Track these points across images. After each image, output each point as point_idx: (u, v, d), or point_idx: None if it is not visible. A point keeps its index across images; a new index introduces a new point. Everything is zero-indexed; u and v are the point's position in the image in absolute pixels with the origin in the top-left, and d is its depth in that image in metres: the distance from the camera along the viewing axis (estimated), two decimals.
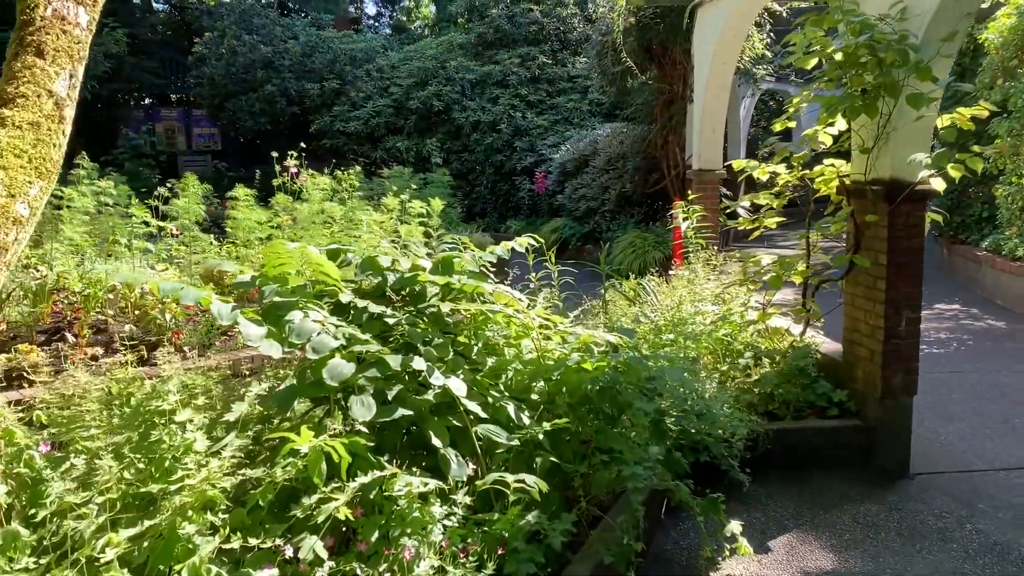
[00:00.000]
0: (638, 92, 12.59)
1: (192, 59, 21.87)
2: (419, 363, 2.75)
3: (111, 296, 6.22)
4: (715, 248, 7.21)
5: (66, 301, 6.20)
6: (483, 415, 2.84)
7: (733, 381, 5.07)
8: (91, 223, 7.41)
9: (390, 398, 2.74)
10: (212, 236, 6.99)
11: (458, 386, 2.79)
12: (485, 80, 19.77)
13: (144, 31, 27.28)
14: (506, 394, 3.20)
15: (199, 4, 24.09)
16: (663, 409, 3.70)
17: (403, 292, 3.36)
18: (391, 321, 3.01)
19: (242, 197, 7.40)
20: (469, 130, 19.14)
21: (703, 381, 4.48)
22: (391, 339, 3.12)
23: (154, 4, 30.80)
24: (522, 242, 4.01)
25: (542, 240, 4.34)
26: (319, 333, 2.64)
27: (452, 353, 3.13)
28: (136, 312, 6.04)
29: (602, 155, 14.66)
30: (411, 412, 2.70)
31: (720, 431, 4.05)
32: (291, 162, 7.70)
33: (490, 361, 3.35)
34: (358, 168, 13.70)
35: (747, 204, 5.54)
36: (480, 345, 3.40)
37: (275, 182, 7.52)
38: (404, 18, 38.76)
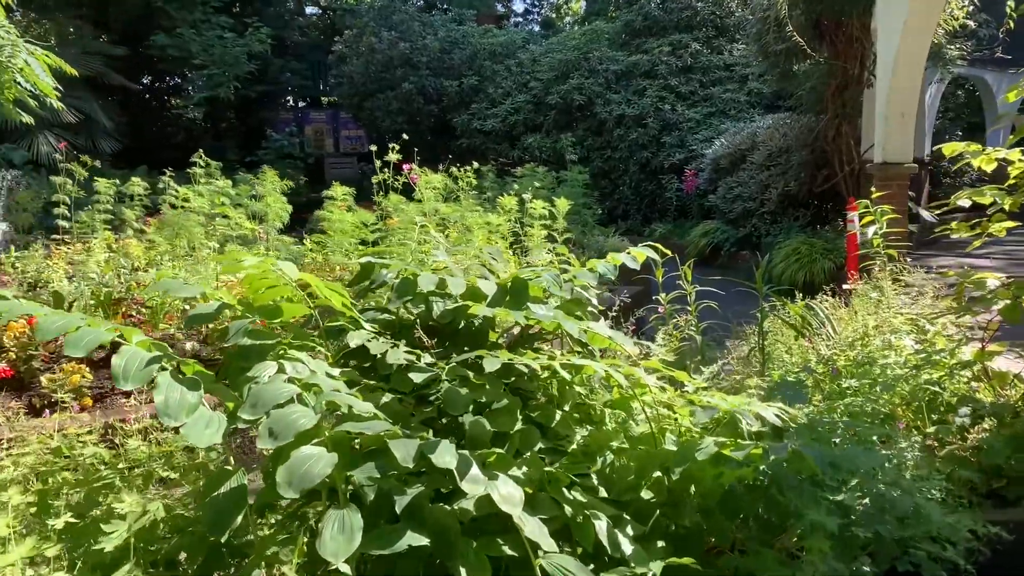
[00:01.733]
0: (805, 77, 11.02)
1: (333, 58, 21.92)
2: (445, 455, 1.70)
3: (186, 307, 5.58)
4: (905, 258, 5.76)
5: (139, 312, 5.65)
6: (550, 545, 1.75)
7: (943, 447, 3.71)
8: (207, 224, 6.96)
9: (399, 509, 1.72)
10: (294, 239, 6.27)
11: (509, 494, 1.73)
12: (631, 71, 18.51)
13: (292, 34, 27.86)
14: (601, 489, 2.11)
15: (344, 4, 24.25)
16: (847, 505, 2.49)
17: (455, 327, 2.34)
18: (417, 379, 1.98)
19: (340, 196, 6.65)
20: (612, 125, 17.96)
21: (901, 451, 3.20)
22: (431, 399, 2.12)
23: (306, 8, 31.47)
24: (638, 254, 2.89)
25: (667, 251, 3.20)
26: (289, 402, 1.66)
27: (521, 421, 2.09)
28: (208, 327, 5.33)
29: (762, 149, 13.12)
30: (427, 541, 1.66)
31: (933, 537, 2.78)
32: (392, 155, 6.87)
33: (581, 434, 2.26)
34: (483, 168, 12.92)
35: (965, 202, 4.12)
36: (567, 408, 2.32)
37: (375, 179, 6.71)
38: (553, 15, 37.91)
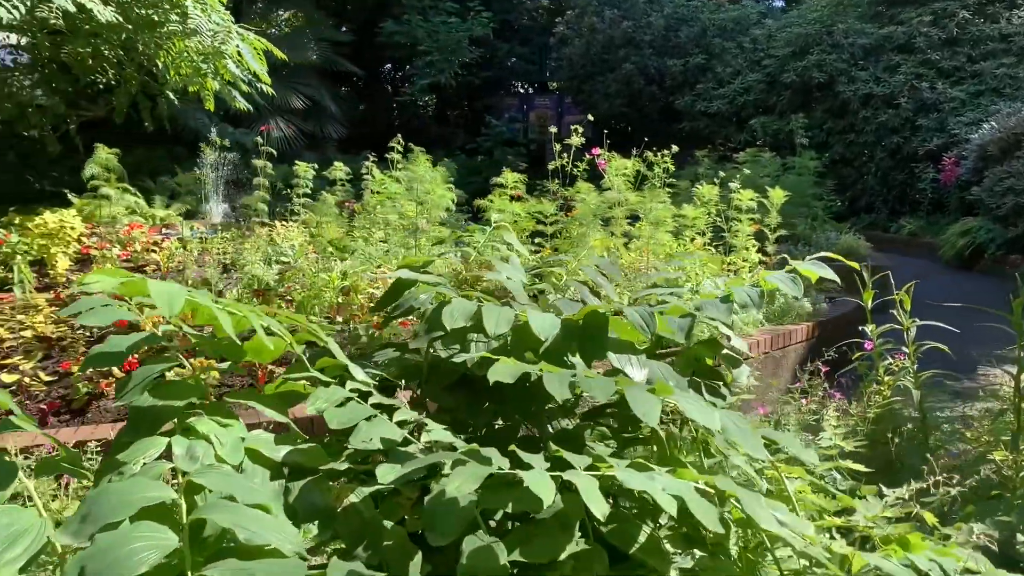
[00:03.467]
0: None
1: (554, 40, 21.57)
2: None
3: (340, 300, 5.25)
4: None
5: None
6: None
7: None
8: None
9: None
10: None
11: None
12: (882, 45, 16.43)
13: (519, 17, 27.84)
14: None
15: None
16: None
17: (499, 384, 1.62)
18: (387, 477, 1.29)
19: (510, 183, 6.09)
20: (857, 106, 16.05)
21: None
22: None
23: None
24: (808, 273, 1.99)
25: (855, 265, 2.29)
26: (141, 516, 1.05)
27: (580, 538, 1.36)
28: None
29: None
30: None
31: None
32: (575, 139, 6.18)
33: (681, 565, 1.47)
34: (698, 153, 11.87)
35: None
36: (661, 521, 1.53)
37: (550, 165, 6.07)
38: None
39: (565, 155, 6.26)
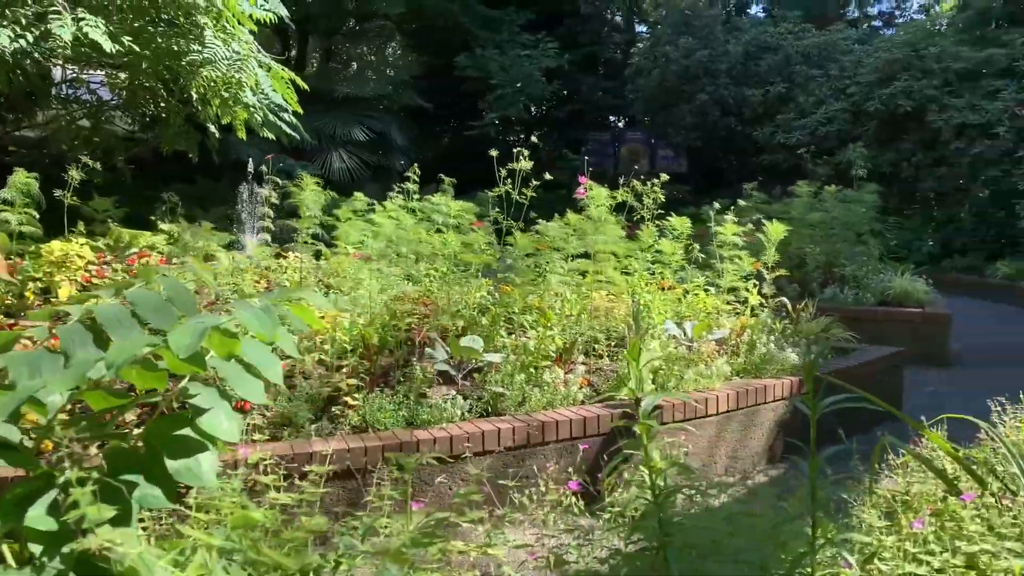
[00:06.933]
0: None
1: (630, 72, 21.06)
2: None
3: None
4: None
5: None
6: None
7: None
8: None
9: None
10: None
11: None
12: (980, 70, 15.15)
13: (605, 50, 27.45)
14: None
15: (648, 15, 23.29)
16: None
17: None
18: None
19: (454, 212, 5.62)
20: (950, 137, 14.80)
21: None
22: None
23: (633, 24, 30.67)
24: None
25: None
26: None
27: None
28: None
29: None
30: None
31: None
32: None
33: None
34: (748, 186, 11.07)
35: None
36: None
37: (493, 192, 5.59)
38: (922, 15, 33.00)
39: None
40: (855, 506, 2.14)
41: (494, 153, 5.53)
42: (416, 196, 7.55)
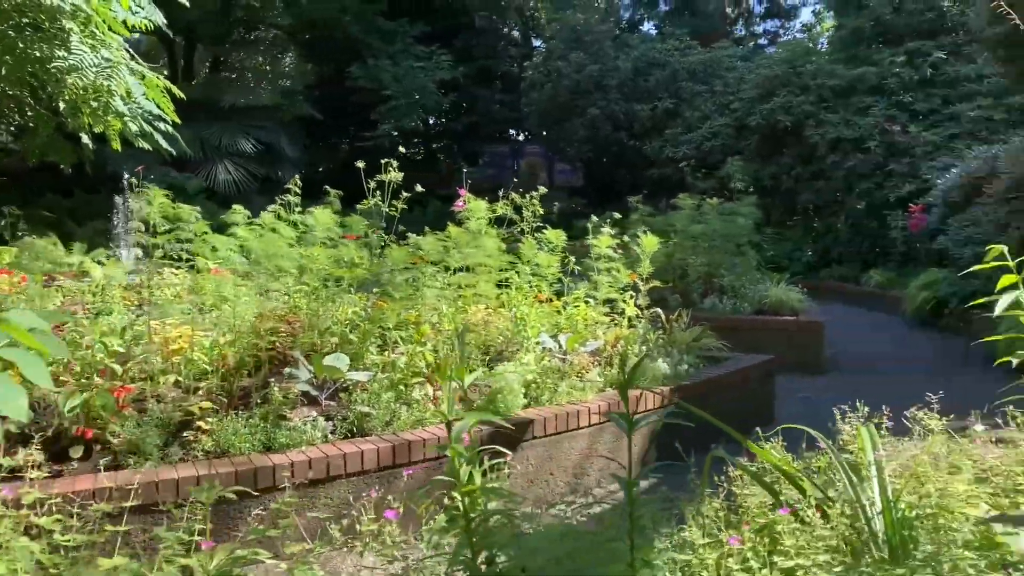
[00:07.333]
0: None
1: (524, 86, 21.22)
2: None
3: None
4: None
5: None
6: None
7: None
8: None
9: None
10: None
11: None
12: (853, 87, 15.91)
13: (502, 64, 27.52)
14: None
15: (542, 30, 23.54)
16: None
17: None
18: None
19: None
20: (825, 151, 15.47)
21: None
22: None
23: (533, 41, 30.82)
24: None
25: None
26: None
27: None
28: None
29: (1003, 178, 10.30)
30: None
31: None
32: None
33: None
34: (632, 199, 11.27)
35: None
36: None
37: (363, 205, 5.50)
38: (804, 35, 34.46)
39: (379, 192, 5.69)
40: (688, 522, 2.15)
41: (360, 164, 5.42)
42: (298, 209, 7.35)
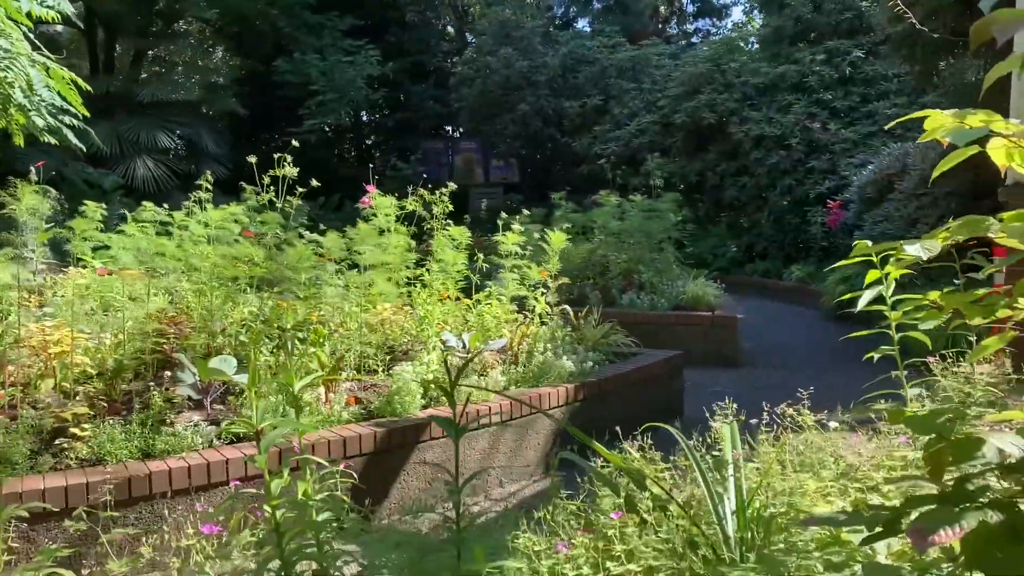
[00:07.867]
0: (953, 70, 8.57)
1: (454, 81, 21.10)
2: None
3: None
4: None
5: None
6: None
7: None
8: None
9: None
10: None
11: None
12: (776, 84, 16.22)
13: (433, 59, 27.31)
14: None
15: (472, 25, 23.42)
16: None
17: None
18: None
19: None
20: (749, 147, 15.74)
21: None
22: None
23: (467, 37, 30.66)
24: None
25: None
26: None
27: None
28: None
29: (913, 175, 10.62)
30: None
31: None
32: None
33: None
34: (555, 195, 11.29)
35: None
36: None
37: (256, 200, 5.39)
38: (735, 34, 34.95)
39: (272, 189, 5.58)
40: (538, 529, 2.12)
41: (252, 159, 5.31)
42: (209, 206, 7.16)
